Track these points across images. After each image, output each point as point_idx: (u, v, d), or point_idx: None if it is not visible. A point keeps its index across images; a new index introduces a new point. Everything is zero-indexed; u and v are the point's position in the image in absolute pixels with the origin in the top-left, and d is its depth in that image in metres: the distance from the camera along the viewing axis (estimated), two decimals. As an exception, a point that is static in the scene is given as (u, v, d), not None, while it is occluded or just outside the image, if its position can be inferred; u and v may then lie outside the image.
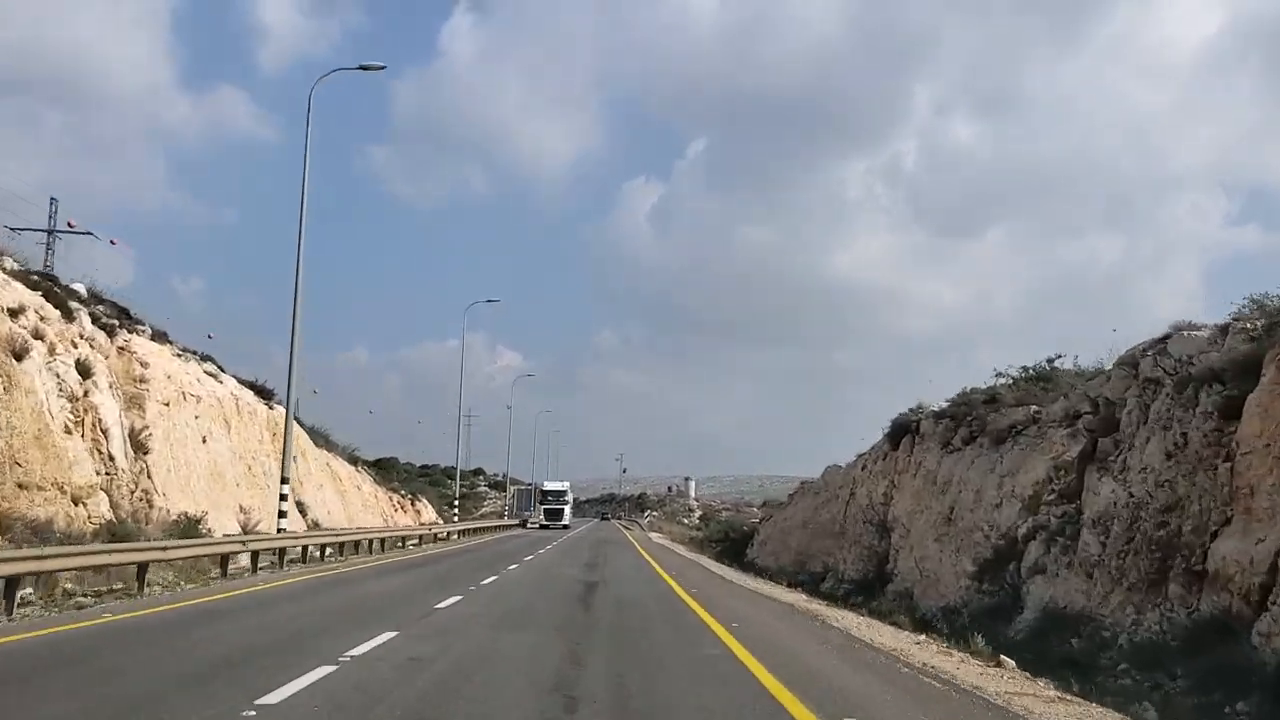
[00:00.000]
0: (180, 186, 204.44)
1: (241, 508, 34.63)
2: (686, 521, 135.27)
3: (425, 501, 65.96)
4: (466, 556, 31.06)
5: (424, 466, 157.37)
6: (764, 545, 45.57)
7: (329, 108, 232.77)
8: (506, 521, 71.34)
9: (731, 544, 55.19)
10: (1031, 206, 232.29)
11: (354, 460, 53.39)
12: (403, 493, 63.34)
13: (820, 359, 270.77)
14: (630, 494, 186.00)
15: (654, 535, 66.40)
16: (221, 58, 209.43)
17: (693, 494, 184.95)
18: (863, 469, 33.13)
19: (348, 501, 48.00)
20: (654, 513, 78.44)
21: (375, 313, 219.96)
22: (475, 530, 54.46)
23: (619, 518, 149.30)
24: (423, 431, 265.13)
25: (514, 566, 25.13)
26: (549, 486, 77.10)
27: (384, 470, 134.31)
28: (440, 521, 56.27)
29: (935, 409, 29.48)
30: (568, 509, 74.80)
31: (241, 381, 39.05)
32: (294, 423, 27.90)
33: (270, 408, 41.11)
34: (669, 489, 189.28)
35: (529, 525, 69.41)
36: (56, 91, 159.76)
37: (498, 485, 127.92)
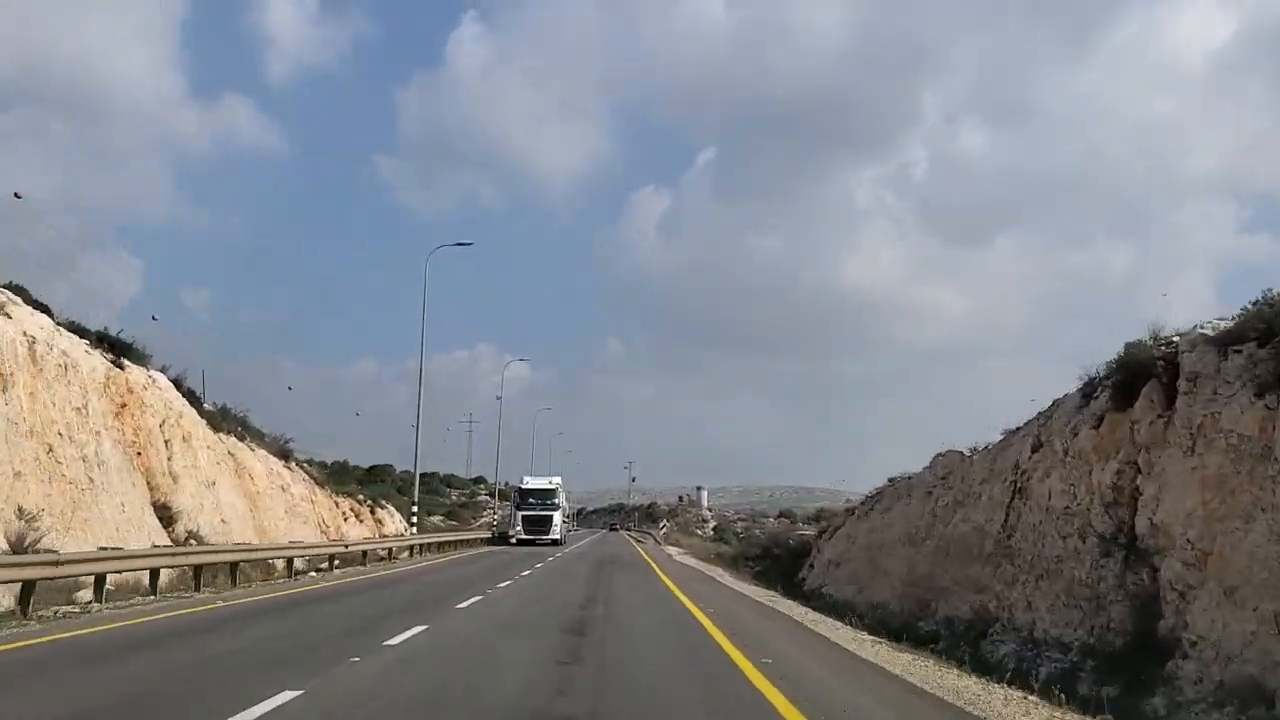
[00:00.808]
0: (188, 197, 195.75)
1: (20, 511, 20.87)
2: (701, 533, 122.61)
3: (391, 509, 52.01)
4: (367, 598, 17.22)
5: (421, 474, 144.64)
6: (833, 568, 31.60)
7: (337, 117, 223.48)
8: (478, 536, 54.69)
9: (775, 562, 41.25)
10: (1041, 215, 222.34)
11: (285, 455, 39.60)
12: (360, 498, 49.48)
13: (829, 368, 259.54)
14: (639, 504, 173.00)
15: (671, 550, 52.35)
16: (229, 66, 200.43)
17: (705, 504, 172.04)
18: (1039, 448, 19.19)
19: (261, 507, 34.17)
20: (668, 523, 61.86)
21: (383, 324, 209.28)
22: (442, 545, 40.62)
23: (628, 528, 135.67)
24: (425, 440, 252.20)
25: (414, 632, 11.28)
26: (530, 484, 52.24)
27: (376, 476, 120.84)
28: (413, 533, 42.49)
29: (1210, 332, 15.61)
30: (558, 516, 51.02)
31: (66, 325, 25.34)
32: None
33: (120, 367, 27.42)
34: (679, 499, 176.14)
35: (511, 539, 49.70)
36: (65, 102, 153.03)
37: (500, 494, 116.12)
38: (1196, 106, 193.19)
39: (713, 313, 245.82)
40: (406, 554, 33.95)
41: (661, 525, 63.77)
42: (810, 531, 44.80)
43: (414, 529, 39.08)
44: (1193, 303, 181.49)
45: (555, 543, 48.55)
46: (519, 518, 50.34)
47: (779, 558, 41.76)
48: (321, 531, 39.71)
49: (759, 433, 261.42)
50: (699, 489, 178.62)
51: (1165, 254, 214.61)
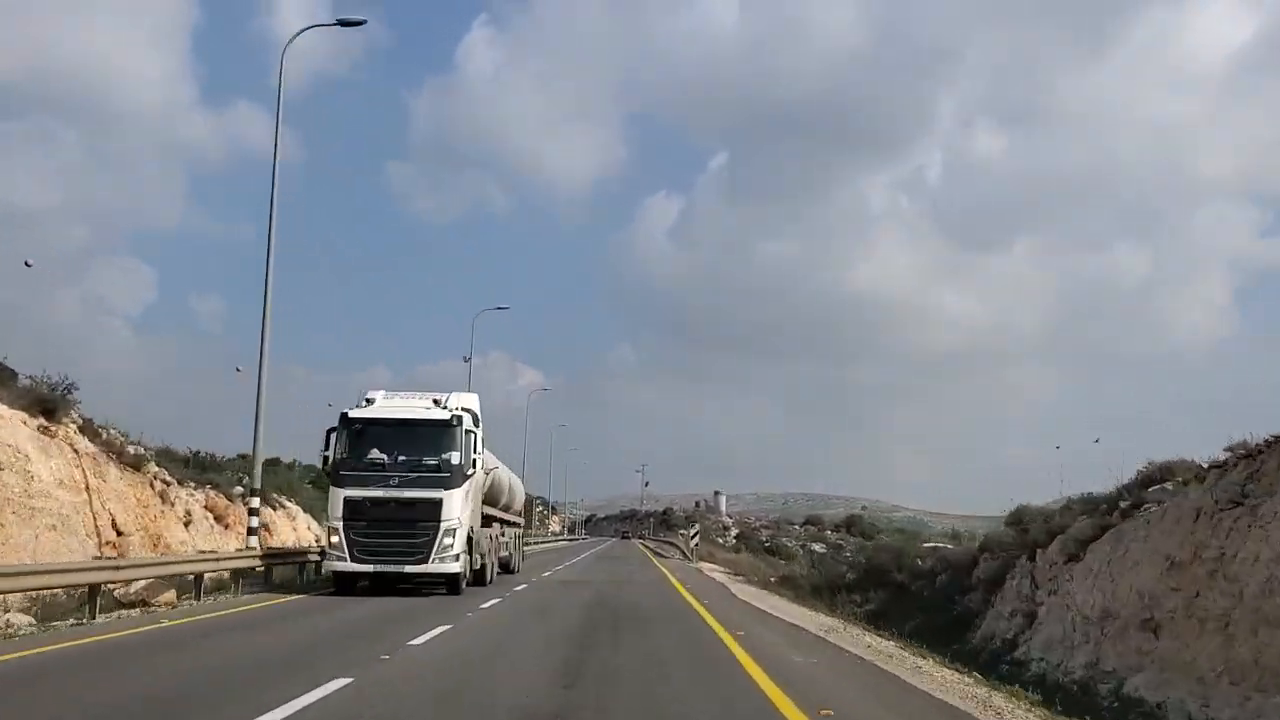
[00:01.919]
0: (198, 204, 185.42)
1: None
2: (723, 541, 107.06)
3: (295, 510, 33.84)
4: None
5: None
6: (1123, 633, 13.21)
7: (347, 123, 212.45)
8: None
9: (898, 597, 22.99)
10: (1057, 219, 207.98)
11: (49, 410, 21.29)
12: (241, 490, 31.25)
13: (842, 374, 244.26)
14: (653, 510, 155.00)
15: (712, 571, 33.93)
16: (240, 72, 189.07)
17: (724, 509, 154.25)
18: None
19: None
20: (699, 529, 42.46)
21: (396, 331, 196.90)
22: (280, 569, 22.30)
23: (643, 537, 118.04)
24: None
25: None
26: (376, 407, 18.54)
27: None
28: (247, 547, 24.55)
29: None
30: (461, 501, 17.79)
31: None
32: None
33: None
34: (696, 504, 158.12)
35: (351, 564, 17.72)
36: (75, 108, 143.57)
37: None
38: (1215, 108, 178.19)
39: (724, 318, 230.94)
40: (168, 596, 15.65)
41: (692, 532, 43.86)
42: (950, 546, 26.03)
43: (254, 540, 20.72)
44: (1211, 307, 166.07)
45: (454, 583, 18.08)
46: (339, 504, 17.86)
47: (904, 589, 23.39)
48: (109, 543, 21.58)
49: (771, 439, 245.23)
50: (717, 494, 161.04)
51: (1183, 257, 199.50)
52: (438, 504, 17.45)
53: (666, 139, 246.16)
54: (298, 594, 18.28)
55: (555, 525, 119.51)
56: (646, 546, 75.62)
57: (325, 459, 18.39)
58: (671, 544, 68.68)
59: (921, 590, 22.63)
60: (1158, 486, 15.51)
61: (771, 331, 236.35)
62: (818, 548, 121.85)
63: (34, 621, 12.32)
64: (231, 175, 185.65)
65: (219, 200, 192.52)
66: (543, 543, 72.04)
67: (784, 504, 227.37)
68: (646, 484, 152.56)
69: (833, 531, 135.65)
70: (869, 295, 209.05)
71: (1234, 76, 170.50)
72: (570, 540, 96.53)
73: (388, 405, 18.83)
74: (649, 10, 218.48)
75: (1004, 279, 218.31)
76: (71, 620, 12.42)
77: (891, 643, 13.18)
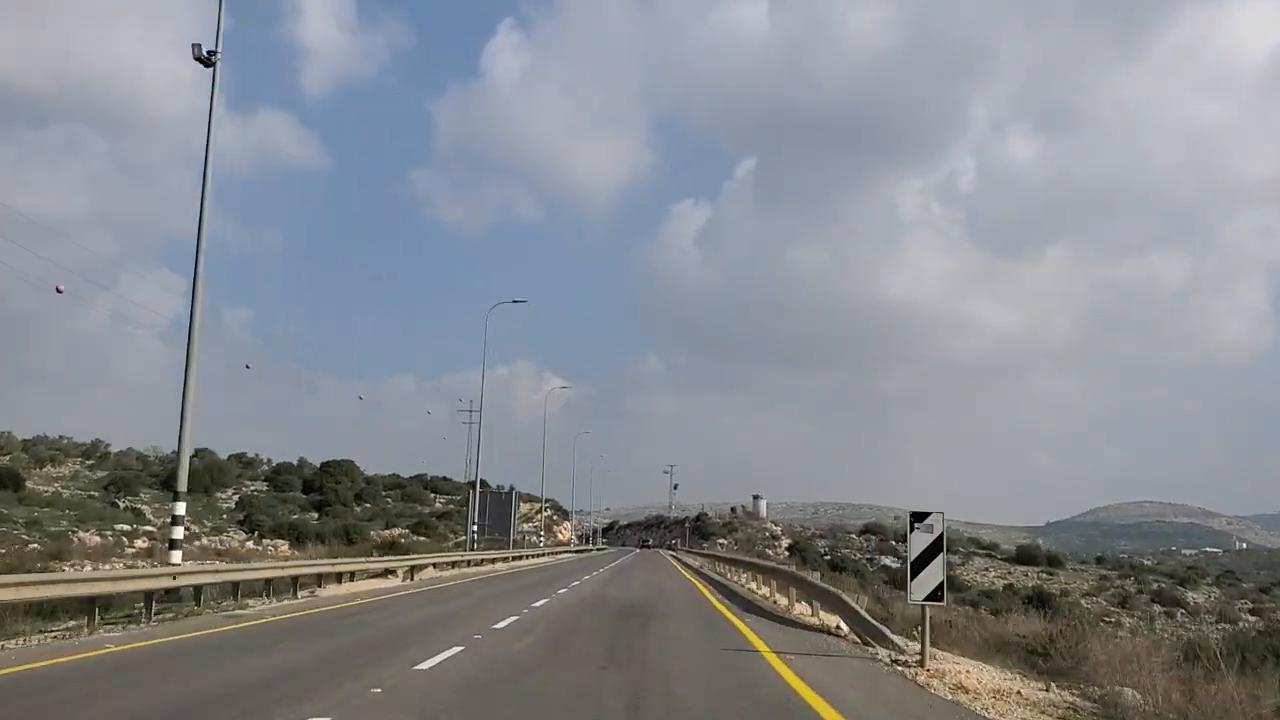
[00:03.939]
0: (224, 212, 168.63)
1: None
2: (773, 552, 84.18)
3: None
4: None
5: (409, 478, 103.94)
6: None
7: (372, 132, 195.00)
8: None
9: None
10: (1091, 224, 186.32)
11: None
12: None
13: (871, 383, 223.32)
14: (684, 517, 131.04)
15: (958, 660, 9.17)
16: (264, 79, 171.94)
17: (764, 514, 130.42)
18: None
19: None
20: (819, 535, 17.31)
21: (423, 339, 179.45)
22: None
23: (672, 547, 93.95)
24: (425, 441, 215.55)
25: None
26: None
27: (333, 471, 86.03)
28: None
29: None
30: None
31: None
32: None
33: None
34: (733, 509, 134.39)
35: None
36: (101, 117, 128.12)
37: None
38: (1253, 110, 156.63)
39: (751, 326, 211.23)
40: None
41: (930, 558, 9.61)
42: None
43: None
44: (1248, 315, 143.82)
45: None
46: None
47: None
48: None
49: (799, 448, 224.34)
50: (756, 498, 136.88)
51: (1220, 264, 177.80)
52: None
53: (694, 145, 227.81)
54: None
55: (565, 534, 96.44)
56: (684, 564, 50.39)
57: None
58: (722, 559, 43.78)
59: None
60: None
61: (799, 340, 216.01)
62: (888, 561, 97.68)
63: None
64: (257, 182, 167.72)
65: (246, 208, 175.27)
66: (525, 560, 47.59)
67: (814, 513, 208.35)
68: (675, 486, 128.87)
69: (898, 542, 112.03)
70: (898, 303, 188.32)
71: (1272, 78, 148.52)
72: (580, 553, 72.10)
73: None
74: (676, 13, 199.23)
75: (1036, 286, 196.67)
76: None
77: None
